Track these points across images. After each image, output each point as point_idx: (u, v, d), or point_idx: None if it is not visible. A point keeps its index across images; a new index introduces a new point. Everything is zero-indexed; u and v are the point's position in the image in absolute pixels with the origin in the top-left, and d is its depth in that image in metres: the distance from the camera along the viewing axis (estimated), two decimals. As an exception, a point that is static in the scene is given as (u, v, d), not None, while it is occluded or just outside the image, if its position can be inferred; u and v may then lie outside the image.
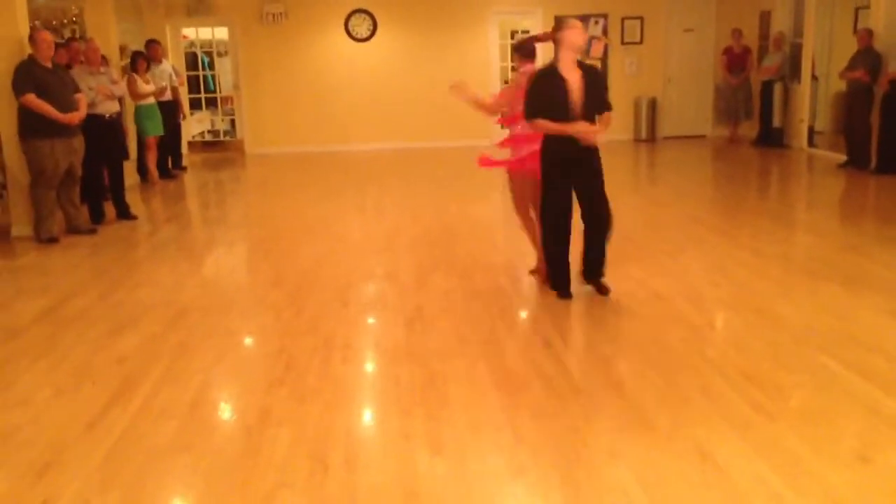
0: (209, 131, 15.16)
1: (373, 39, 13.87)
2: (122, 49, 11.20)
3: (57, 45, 7.72)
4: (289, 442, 3.54)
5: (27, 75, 7.29)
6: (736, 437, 3.44)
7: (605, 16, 13.85)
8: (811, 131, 12.20)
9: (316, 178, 11.33)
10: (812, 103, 12.16)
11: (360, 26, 13.83)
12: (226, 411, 3.98)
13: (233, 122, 14.56)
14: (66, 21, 12.37)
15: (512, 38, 14.48)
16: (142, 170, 10.97)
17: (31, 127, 7.36)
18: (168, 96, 11.11)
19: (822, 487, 3.05)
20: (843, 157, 10.61)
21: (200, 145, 14.46)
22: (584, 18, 13.78)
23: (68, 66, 8.62)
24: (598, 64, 13.97)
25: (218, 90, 15.00)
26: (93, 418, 3.82)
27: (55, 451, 3.52)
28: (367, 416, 3.86)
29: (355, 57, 13.88)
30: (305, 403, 3.94)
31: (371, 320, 5.32)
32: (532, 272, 6.00)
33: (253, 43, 13.73)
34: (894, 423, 3.56)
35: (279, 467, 3.33)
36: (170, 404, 3.97)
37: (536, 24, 13.85)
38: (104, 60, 8.78)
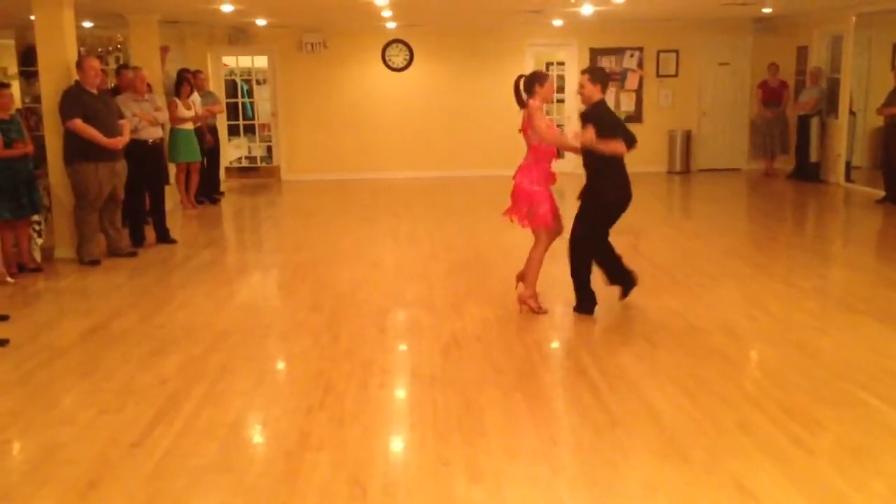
0: (246, 157, 15.38)
1: (409, 69, 14.03)
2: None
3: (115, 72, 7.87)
4: (328, 466, 3.58)
5: (75, 101, 7.48)
6: (775, 472, 3.43)
7: (640, 49, 13.90)
8: (848, 166, 12.12)
9: (351, 205, 11.45)
10: (850, 138, 12.09)
11: (397, 56, 14.00)
12: (266, 434, 4.03)
13: (269, 148, 14.75)
14: (111, 48, 12.68)
15: (547, 69, 14.57)
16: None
17: (77, 151, 7.54)
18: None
19: (864, 524, 3.03)
20: (880, 193, 10.53)
21: (237, 171, 14.66)
22: (620, 51, 13.87)
23: (115, 93, 8.82)
24: (633, 96, 14.02)
25: (256, 117, 15.23)
26: (136, 437, 3.90)
27: (99, 469, 3.59)
28: (405, 442, 3.89)
29: (391, 86, 14.04)
30: (344, 428, 3.98)
31: (407, 347, 5.36)
32: (522, 302, 5.97)
33: (291, 71, 13.94)
34: (936, 461, 3.53)
35: (319, 491, 3.37)
36: (211, 425, 4.03)
37: (571, 57, 13.94)
38: (149, 88, 8.97)
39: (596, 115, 5.61)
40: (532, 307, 5.90)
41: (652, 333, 5.40)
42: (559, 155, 6.00)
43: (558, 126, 10.06)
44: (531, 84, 5.72)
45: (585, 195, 5.79)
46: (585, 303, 5.86)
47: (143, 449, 3.78)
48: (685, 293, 6.28)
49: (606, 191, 5.68)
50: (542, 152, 5.71)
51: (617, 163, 5.62)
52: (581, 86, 5.74)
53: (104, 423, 4.09)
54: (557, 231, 5.86)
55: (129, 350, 5.24)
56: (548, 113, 14.09)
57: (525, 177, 5.75)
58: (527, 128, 5.67)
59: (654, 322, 5.62)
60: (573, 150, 5.82)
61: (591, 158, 5.63)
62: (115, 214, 8.03)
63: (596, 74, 5.73)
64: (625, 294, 6.04)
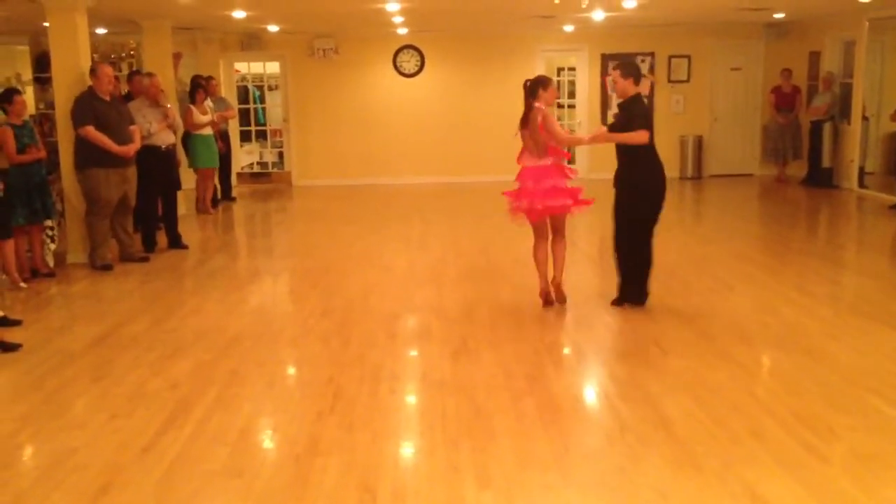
0: (258, 163, 15.43)
1: (420, 75, 14.04)
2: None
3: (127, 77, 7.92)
4: (338, 471, 3.58)
5: (87, 107, 7.53)
6: (788, 479, 3.41)
7: (651, 54, 13.87)
8: (861, 172, 12.05)
9: (362, 211, 11.46)
10: (863, 144, 12.02)
11: (409, 62, 14.02)
12: (276, 439, 4.03)
13: (281, 154, 14.80)
14: (123, 55, 12.74)
15: (558, 75, 14.57)
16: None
17: (87, 157, 7.58)
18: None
19: (877, 533, 3.00)
20: (894, 199, 10.46)
21: (249, 176, 14.70)
22: (631, 56, 13.83)
23: (127, 98, 8.87)
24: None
25: (267, 123, 15.28)
26: (147, 442, 3.90)
27: (110, 473, 3.60)
28: (415, 448, 3.88)
29: (403, 92, 14.05)
30: (354, 433, 3.98)
31: (417, 352, 5.36)
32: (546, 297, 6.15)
33: (303, 77, 13.98)
34: (951, 469, 3.50)
35: (328, 496, 3.37)
36: (222, 430, 4.04)
37: (583, 62, 13.93)
38: (162, 94, 9.00)
39: (627, 108, 5.87)
40: (559, 295, 6.14)
41: (663, 339, 5.38)
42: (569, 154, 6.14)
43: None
44: (535, 88, 5.92)
45: (619, 185, 5.95)
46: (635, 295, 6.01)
47: (154, 453, 3.78)
48: (697, 299, 6.25)
49: (641, 179, 5.83)
50: (557, 152, 5.94)
51: (647, 151, 5.76)
52: (614, 81, 5.97)
53: (115, 428, 4.11)
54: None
55: (140, 355, 5.25)
56: (558, 118, 14.12)
57: (562, 176, 5.91)
58: (542, 129, 5.74)
59: (666, 328, 5.60)
60: (579, 143, 6.10)
61: (622, 147, 5.84)
62: (126, 220, 8.06)
63: (626, 69, 5.92)
64: (619, 302, 6.05)
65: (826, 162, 12.36)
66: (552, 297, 6.12)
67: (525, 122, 5.99)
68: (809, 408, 4.17)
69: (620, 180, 5.95)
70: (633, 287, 6.00)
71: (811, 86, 13.10)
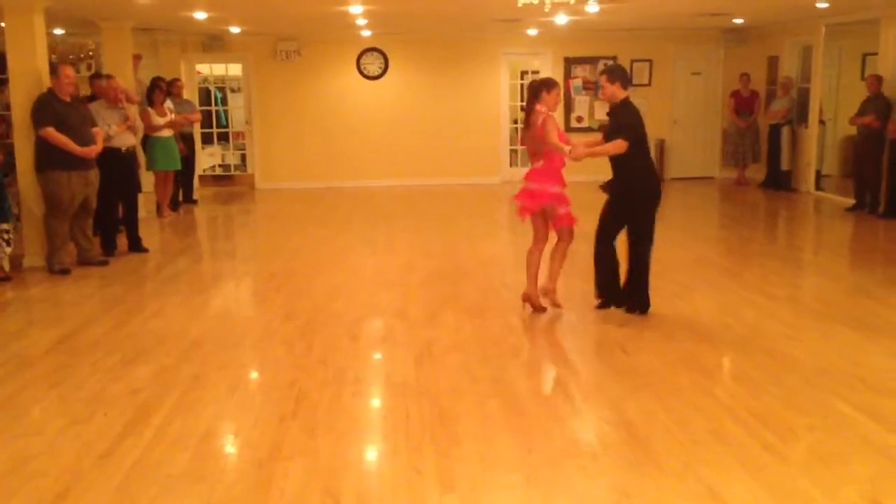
0: (220, 165, 15.28)
1: (384, 77, 14.01)
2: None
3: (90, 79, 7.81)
4: (300, 475, 3.55)
5: (47, 108, 7.40)
6: (748, 479, 3.45)
7: (614, 58, 13.97)
8: (819, 175, 12.25)
9: (326, 214, 11.40)
10: (819, 147, 12.23)
11: (372, 65, 13.99)
12: (238, 443, 3.99)
13: (243, 156, 14.68)
14: (82, 56, 12.55)
15: (522, 78, 14.64)
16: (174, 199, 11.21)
17: (49, 159, 7.45)
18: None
19: (835, 530, 3.05)
20: (850, 201, 10.65)
21: (211, 179, 14.56)
22: (594, 60, 13.94)
23: (90, 100, 8.74)
24: (607, 105, 14.07)
25: (230, 125, 15.14)
26: (106, 448, 3.84)
27: (68, 480, 3.54)
28: (379, 451, 3.87)
29: (366, 94, 14.02)
30: (317, 437, 3.96)
31: (381, 355, 5.35)
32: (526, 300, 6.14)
33: (266, 79, 13.89)
34: (906, 467, 3.57)
35: (291, 501, 3.35)
36: (182, 435, 3.99)
37: (546, 66, 14.00)
38: (123, 96, 8.86)
39: (615, 114, 5.82)
40: (553, 301, 6.08)
41: (626, 342, 5.42)
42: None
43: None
44: (539, 90, 5.86)
45: (612, 191, 5.92)
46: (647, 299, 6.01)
47: (114, 459, 3.73)
48: (659, 301, 6.30)
49: (629, 185, 5.80)
50: (556, 157, 5.82)
51: (637, 158, 5.71)
52: (602, 87, 5.90)
53: (74, 434, 4.04)
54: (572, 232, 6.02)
55: (99, 359, 5.17)
56: (515, 121, 14.17)
57: (546, 180, 5.84)
58: (541, 132, 5.72)
59: (629, 330, 5.64)
60: (564, 155, 5.85)
61: (616, 155, 5.74)
62: (86, 223, 7.94)
63: (612, 73, 5.86)
64: (604, 305, 6.07)
65: (784, 165, 12.55)
66: (538, 303, 6.07)
67: (527, 124, 5.97)
68: (769, 408, 4.23)
69: (613, 188, 5.90)
70: (635, 295, 6.00)
71: (769, 90, 13.30)
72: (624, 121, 5.74)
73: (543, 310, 6.06)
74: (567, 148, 5.72)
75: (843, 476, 3.48)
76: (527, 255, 6.07)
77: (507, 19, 11.28)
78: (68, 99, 7.55)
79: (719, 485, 3.40)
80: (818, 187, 12.14)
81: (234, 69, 14.65)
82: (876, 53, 10.77)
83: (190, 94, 13.36)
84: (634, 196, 5.84)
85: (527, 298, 6.09)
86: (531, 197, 5.88)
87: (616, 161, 5.78)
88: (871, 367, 4.84)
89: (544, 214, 5.94)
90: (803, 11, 10.76)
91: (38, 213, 7.72)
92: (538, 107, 5.81)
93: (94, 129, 7.81)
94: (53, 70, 7.55)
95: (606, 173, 5.93)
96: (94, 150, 7.66)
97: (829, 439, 3.86)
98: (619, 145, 5.61)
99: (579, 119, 14.03)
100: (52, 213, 7.58)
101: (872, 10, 10.26)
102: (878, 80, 10.20)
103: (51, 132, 7.35)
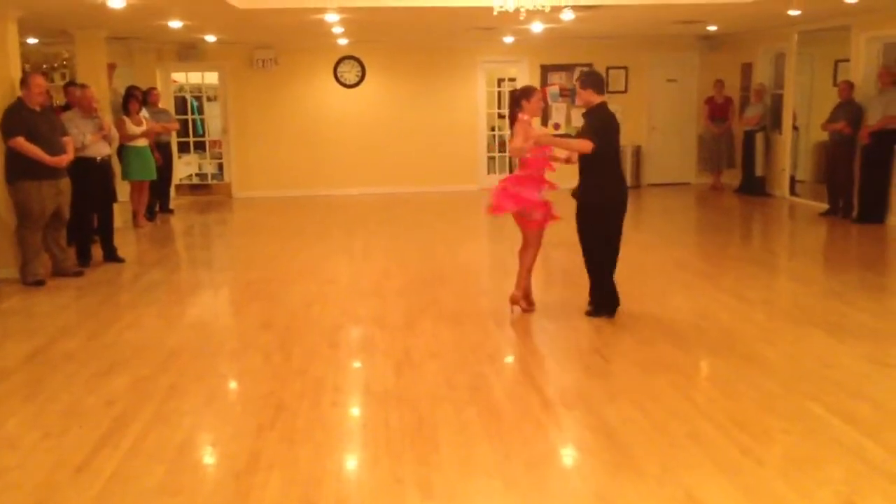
0: (197, 174, 15.20)
1: (361, 86, 14.01)
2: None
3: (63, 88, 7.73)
4: (279, 485, 3.54)
5: (17, 118, 7.33)
6: (725, 482, 3.47)
7: (589, 65, 14.02)
8: (793, 180, 12.38)
9: (304, 223, 11.38)
10: (793, 153, 12.36)
11: (349, 73, 13.99)
12: (216, 454, 3.97)
13: (220, 165, 14.61)
14: (56, 65, 12.46)
15: (499, 85, 14.69)
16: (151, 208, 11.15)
17: (19, 169, 7.38)
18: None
19: (811, 532, 3.07)
20: (824, 206, 10.77)
21: (188, 188, 14.48)
22: (570, 68, 14.01)
23: (64, 109, 8.67)
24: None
25: (206, 134, 15.07)
26: (81, 461, 3.80)
27: (43, 494, 3.51)
28: (358, 460, 3.86)
29: (344, 103, 14.01)
30: (295, 447, 3.94)
31: (360, 364, 5.33)
32: (514, 302, 6.20)
33: (242, 88, 13.84)
34: (879, 468, 3.61)
35: (270, 511, 3.33)
36: (159, 447, 3.96)
37: (523, 73, 14.06)
38: (96, 105, 8.80)
39: (587, 116, 5.88)
40: (524, 307, 6.17)
41: (603, 347, 5.45)
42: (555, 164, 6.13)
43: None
44: (519, 100, 5.97)
45: (578, 197, 5.96)
46: (601, 307, 6.04)
47: (89, 472, 3.69)
48: (636, 306, 6.34)
49: (588, 192, 5.86)
50: (534, 164, 5.90)
51: (600, 164, 5.74)
52: (577, 93, 6.03)
53: (49, 447, 3.99)
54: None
55: (74, 371, 5.12)
56: (491, 128, 14.23)
57: (524, 185, 5.91)
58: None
59: (606, 335, 5.67)
60: (524, 149, 5.85)
61: (581, 159, 5.82)
62: (59, 233, 7.86)
63: (585, 80, 5.96)
64: (595, 313, 6.08)
65: (759, 171, 12.67)
66: (521, 304, 6.18)
67: (512, 134, 6.06)
68: (746, 412, 4.26)
69: (579, 194, 5.94)
70: (601, 299, 6.06)
71: (743, 96, 13.43)
72: (594, 124, 5.81)
73: (532, 309, 6.18)
74: (529, 143, 5.77)
75: (817, 478, 3.51)
76: (518, 253, 6.18)
77: (483, 27, 11.32)
78: (38, 108, 7.49)
79: (697, 488, 3.42)
80: (792, 192, 12.27)
81: (211, 77, 14.58)
82: (848, 60, 10.91)
83: (166, 102, 13.29)
84: (597, 203, 5.86)
85: (514, 301, 6.17)
86: (507, 198, 5.94)
87: (583, 166, 5.85)
88: (844, 370, 4.90)
89: (522, 218, 6.00)
90: (776, 19, 10.88)
91: (10, 223, 7.63)
92: (520, 115, 5.89)
93: (65, 138, 7.75)
94: (23, 80, 7.48)
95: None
96: (64, 159, 7.59)
97: (803, 442, 3.90)
98: (584, 143, 5.68)
99: (556, 126, 14.08)
100: (24, 223, 7.50)
101: (844, 17, 10.39)
102: (850, 86, 10.33)
103: (20, 142, 7.28)
